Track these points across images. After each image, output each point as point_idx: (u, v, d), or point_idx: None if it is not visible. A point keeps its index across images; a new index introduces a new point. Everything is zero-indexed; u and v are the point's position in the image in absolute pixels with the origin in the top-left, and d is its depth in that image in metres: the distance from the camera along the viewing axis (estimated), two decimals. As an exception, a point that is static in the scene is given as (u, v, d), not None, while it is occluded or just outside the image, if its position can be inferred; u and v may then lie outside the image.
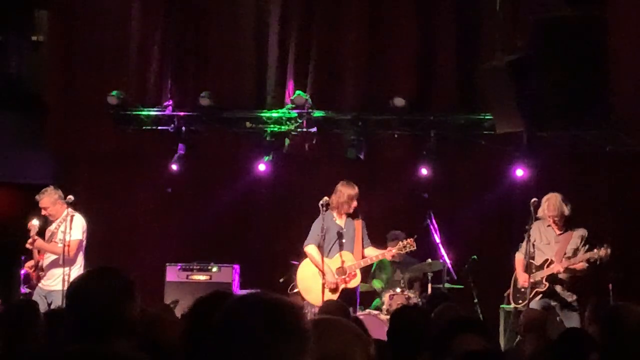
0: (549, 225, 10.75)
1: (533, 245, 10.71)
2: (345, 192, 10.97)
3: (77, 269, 10.86)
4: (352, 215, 11.02)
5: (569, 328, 8.01)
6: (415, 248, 11.12)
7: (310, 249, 10.96)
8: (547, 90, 9.82)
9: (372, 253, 11.10)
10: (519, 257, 10.96)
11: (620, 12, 12.22)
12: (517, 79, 9.99)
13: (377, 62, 13.46)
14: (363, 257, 11.00)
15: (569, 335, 6.43)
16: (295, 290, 11.13)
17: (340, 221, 10.98)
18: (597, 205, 12.94)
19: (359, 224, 11.06)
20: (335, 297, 10.61)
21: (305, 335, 2.53)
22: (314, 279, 10.85)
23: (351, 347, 3.16)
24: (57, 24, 14.06)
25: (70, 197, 11.06)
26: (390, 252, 11.06)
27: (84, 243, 11.15)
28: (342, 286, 10.83)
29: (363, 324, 5.29)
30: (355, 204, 10.98)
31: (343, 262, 10.86)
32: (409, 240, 11.04)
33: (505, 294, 11.24)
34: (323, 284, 10.73)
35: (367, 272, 12.38)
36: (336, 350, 3.12)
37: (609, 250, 10.36)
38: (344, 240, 10.87)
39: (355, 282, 10.95)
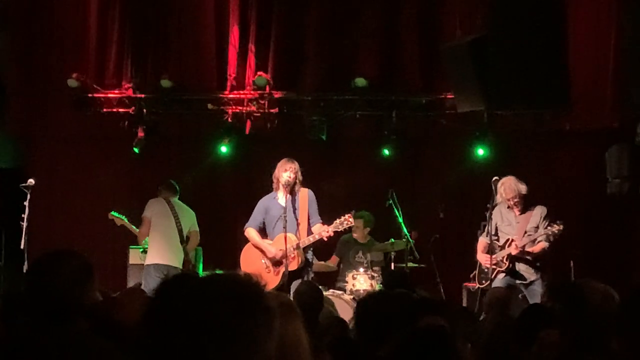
0: (509, 207, 10.82)
1: (496, 227, 10.81)
2: (277, 166, 10.70)
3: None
4: (295, 191, 10.64)
5: (530, 305, 8.07)
6: (352, 224, 10.87)
7: (249, 231, 10.82)
8: (507, 69, 9.84)
9: (318, 231, 10.62)
10: (481, 240, 11.05)
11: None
12: (477, 58, 10.01)
13: (338, 43, 13.44)
14: (311, 234, 10.61)
15: (530, 311, 6.50)
16: None
17: (282, 199, 10.62)
18: (558, 183, 13.07)
19: (304, 199, 10.66)
20: (277, 280, 10.40)
21: (272, 312, 2.48)
22: (256, 264, 10.63)
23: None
24: (16, 6, 13.91)
25: (31, 181, 11.01)
26: (327, 232, 10.50)
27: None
28: (282, 270, 10.49)
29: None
30: (289, 177, 10.56)
31: (285, 244, 10.36)
32: (346, 216, 10.54)
33: (471, 275, 11.30)
34: (266, 266, 10.62)
35: (328, 251, 12.40)
36: None
37: (561, 227, 10.45)
38: (286, 220, 10.32)
39: (295, 264, 10.47)
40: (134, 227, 12.01)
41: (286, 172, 10.63)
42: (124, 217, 12.20)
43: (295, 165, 10.67)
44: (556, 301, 6.02)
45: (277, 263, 10.58)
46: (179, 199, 11.85)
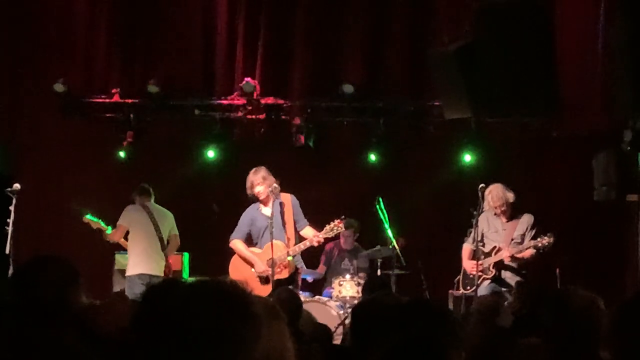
0: (496, 214, 10.83)
1: (482, 234, 10.81)
2: (248, 180, 10.77)
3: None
4: (277, 198, 10.66)
5: (524, 312, 8.04)
6: (343, 229, 10.96)
7: (235, 243, 10.89)
8: (494, 75, 9.85)
9: (309, 233, 10.74)
10: (466, 246, 11.05)
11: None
12: (464, 64, 10.02)
13: (326, 49, 13.45)
14: (301, 238, 10.74)
15: (522, 319, 6.49)
16: None
17: (267, 209, 10.69)
18: (545, 190, 13.07)
19: (288, 205, 10.72)
20: (268, 289, 10.39)
21: (259, 319, 2.51)
22: (246, 272, 10.68)
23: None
24: (1, 10, 13.87)
25: (17, 185, 10.98)
26: (317, 238, 10.67)
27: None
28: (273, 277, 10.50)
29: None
30: (261, 188, 10.64)
31: (273, 253, 10.41)
32: (336, 222, 10.69)
33: (455, 280, 11.31)
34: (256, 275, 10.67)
35: (316, 259, 12.40)
36: None
37: (552, 240, 10.47)
38: (273, 229, 10.38)
39: (286, 272, 10.60)
40: (109, 230, 11.88)
41: (260, 186, 10.62)
42: (97, 219, 12.04)
43: (260, 176, 10.66)
44: (540, 308, 6.02)
45: (267, 274, 10.61)
46: (155, 201, 11.82)
